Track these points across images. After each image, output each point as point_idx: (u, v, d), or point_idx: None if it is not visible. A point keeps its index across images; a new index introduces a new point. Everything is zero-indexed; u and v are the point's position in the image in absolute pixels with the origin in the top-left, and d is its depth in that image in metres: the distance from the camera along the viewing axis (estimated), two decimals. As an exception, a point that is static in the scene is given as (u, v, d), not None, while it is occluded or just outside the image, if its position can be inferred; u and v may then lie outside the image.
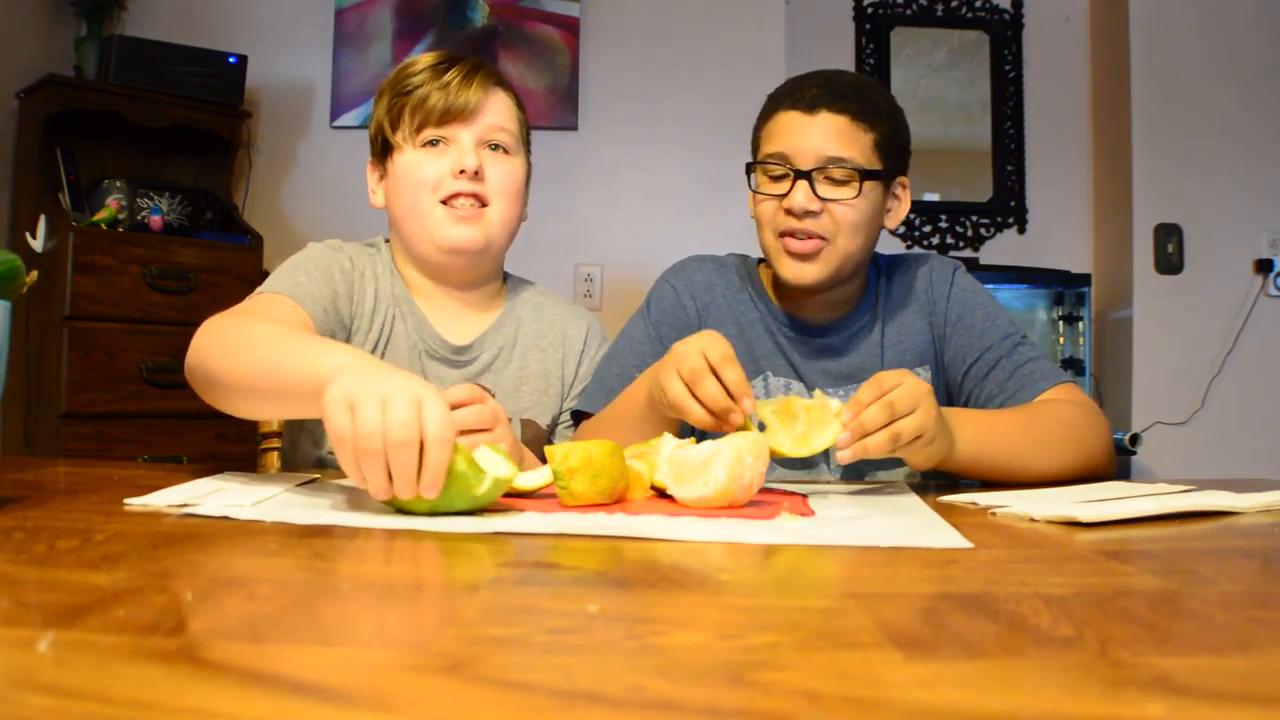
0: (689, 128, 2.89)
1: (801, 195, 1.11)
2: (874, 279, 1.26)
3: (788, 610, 0.49)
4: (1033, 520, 0.77)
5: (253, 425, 1.29)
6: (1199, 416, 2.98)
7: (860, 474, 1.19)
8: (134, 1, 2.81)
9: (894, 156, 1.17)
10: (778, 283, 1.24)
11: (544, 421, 1.25)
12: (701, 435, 1.09)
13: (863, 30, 3.36)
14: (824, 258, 1.14)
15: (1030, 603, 0.48)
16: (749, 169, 1.18)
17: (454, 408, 0.87)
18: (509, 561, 0.61)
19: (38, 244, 2.34)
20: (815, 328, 1.23)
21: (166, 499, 0.77)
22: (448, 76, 1.17)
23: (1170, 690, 0.35)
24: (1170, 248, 3.01)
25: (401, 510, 0.74)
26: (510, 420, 1.08)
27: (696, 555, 0.62)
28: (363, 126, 2.74)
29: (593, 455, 0.80)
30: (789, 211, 1.12)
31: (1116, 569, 0.60)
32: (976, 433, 1.00)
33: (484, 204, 1.18)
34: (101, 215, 2.38)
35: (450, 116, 1.16)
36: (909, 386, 0.89)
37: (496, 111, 1.20)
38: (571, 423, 1.23)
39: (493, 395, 0.95)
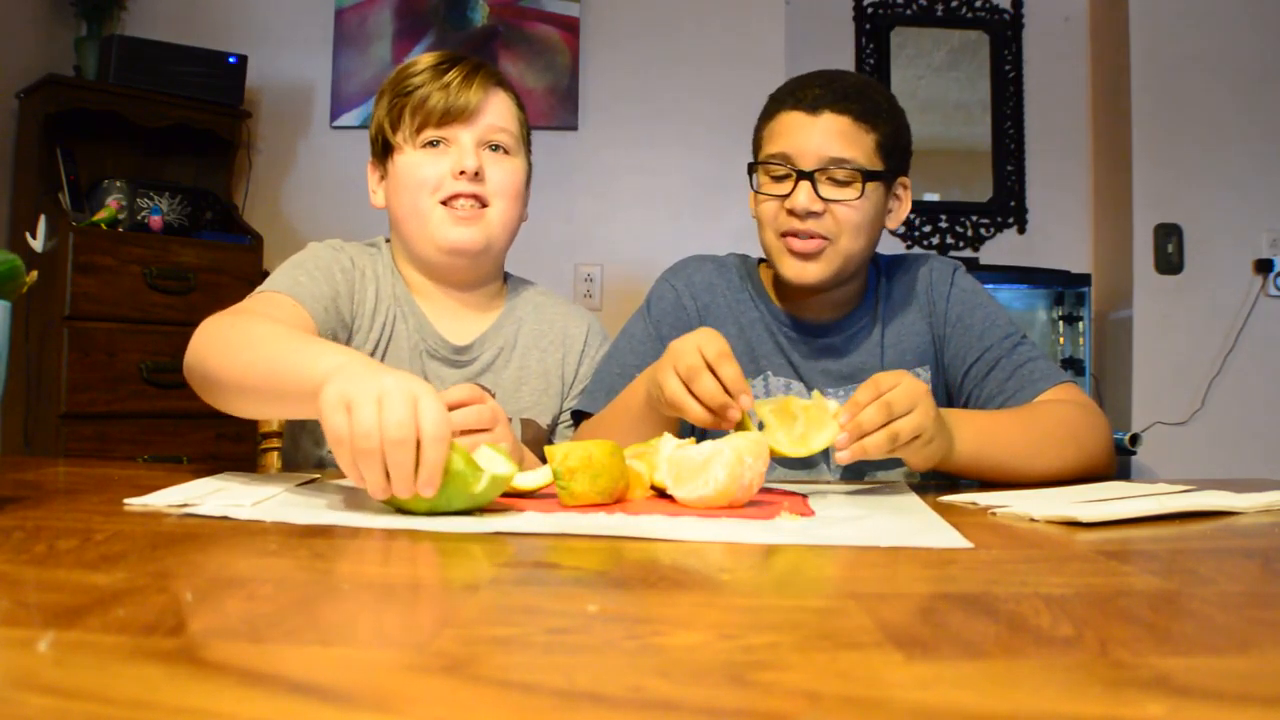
0: (689, 128, 2.89)
1: (804, 196, 1.11)
2: (874, 279, 1.26)
3: (788, 610, 0.49)
4: (1033, 520, 0.77)
5: (253, 425, 1.29)
6: (1199, 416, 2.98)
7: (860, 474, 1.19)
8: (134, 1, 2.81)
9: (896, 157, 1.17)
10: (778, 283, 1.24)
11: (544, 421, 1.25)
12: (702, 435, 1.09)
13: (863, 30, 3.36)
14: (826, 257, 1.14)
15: (1030, 603, 0.48)
16: (751, 169, 1.18)
17: (454, 408, 0.87)
18: (509, 561, 0.60)
19: (38, 244, 2.34)
20: (816, 328, 1.23)
21: (166, 499, 0.77)
22: (448, 77, 1.17)
23: (1170, 690, 0.35)
24: (1170, 248, 3.01)
25: (401, 510, 0.74)
26: (510, 420, 1.09)
27: (696, 555, 0.62)
28: (363, 126, 2.74)
29: (593, 455, 0.80)
30: (791, 212, 1.12)
31: (1116, 569, 0.60)
32: (976, 433, 1.00)
33: (484, 205, 1.18)
34: (101, 215, 2.38)
35: (451, 117, 1.16)
36: (906, 387, 0.89)
37: (497, 112, 1.20)
38: (571, 422, 1.23)
39: (493, 395, 0.95)
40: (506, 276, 1.32)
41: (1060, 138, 3.32)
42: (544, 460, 0.85)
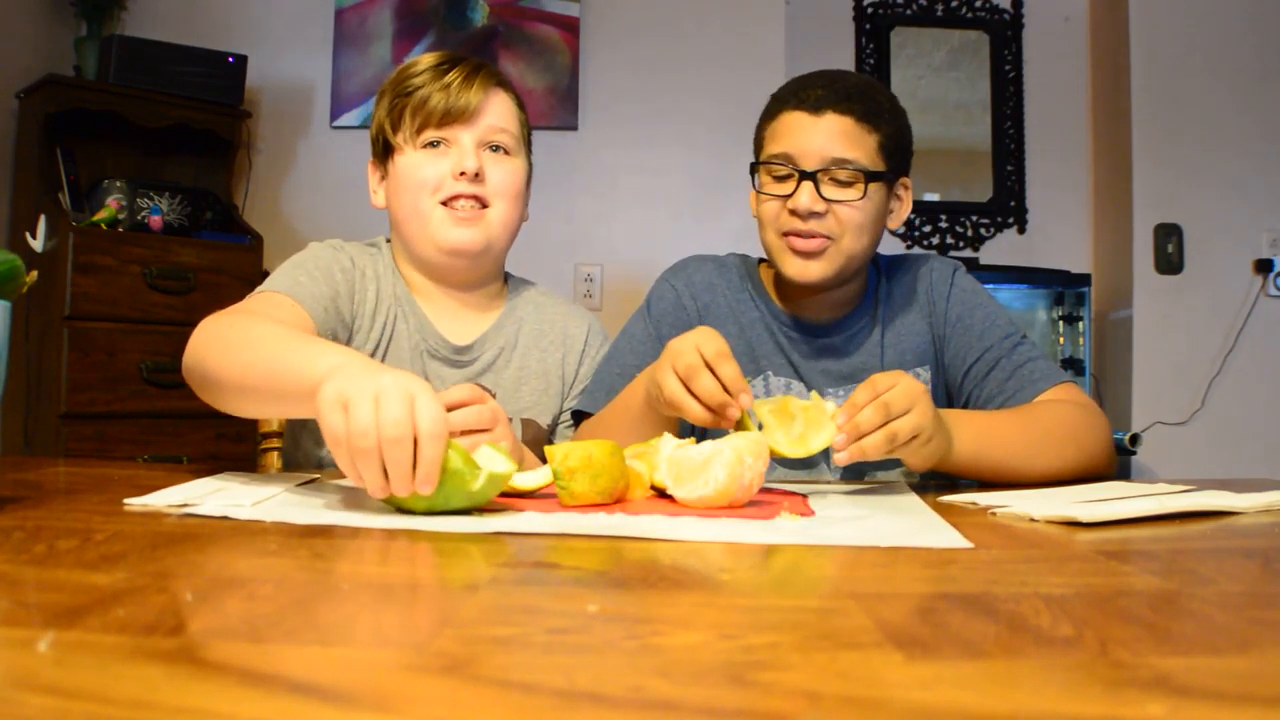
0: (689, 128, 2.89)
1: (806, 196, 1.11)
2: (874, 279, 1.26)
3: (788, 610, 0.49)
4: (1033, 520, 0.77)
5: (253, 425, 1.29)
6: (1199, 416, 2.98)
7: (860, 474, 1.19)
8: (134, 1, 2.81)
9: (898, 157, 1.17)
10: (779, 282, 1.24)
11: (544, 421, 1.25)
12: (702, 435, 1.09)
13: (863, 30, 3.36)
14: (829, 256, 1.14)
15: (1030, 603, 0.48)
16: (752, 169, 1.18)
17: (454, 408, 0.87)
18: (509, 561, 0.61)
19: (38, 244, 2.34)
20: (816, 328, 1.23)
21: (166, 499, 0.77)
22: (449, 78, 1.17)
23: (1170, 690, 0.35)
24: (1170, 248, 3.01)
25: (400, 509, 0.74)
26: (511, 420, 1.09)
27: (696, 555, 0.62)
28: (363, 126, 2.74)
29: (593, 455, 0.80)
30: (794, 212, 1.12)
31: (1116, 569, 0.60)
32: (975, 433, 1.00)
33: (485, 205, 1.18)
34: (101, 215, 2.38)
35: (451, 118, 1.16)
36: (904, 387, 0.89)
37: (497, 113, 1.20)
38: (572, 422, 1.23)
39: (493, 395, 0.95)
40: (507, 277, 1.32)
41: (1060, 138, 3.32)
42: (544, 460, 0.85)
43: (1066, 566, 0.60)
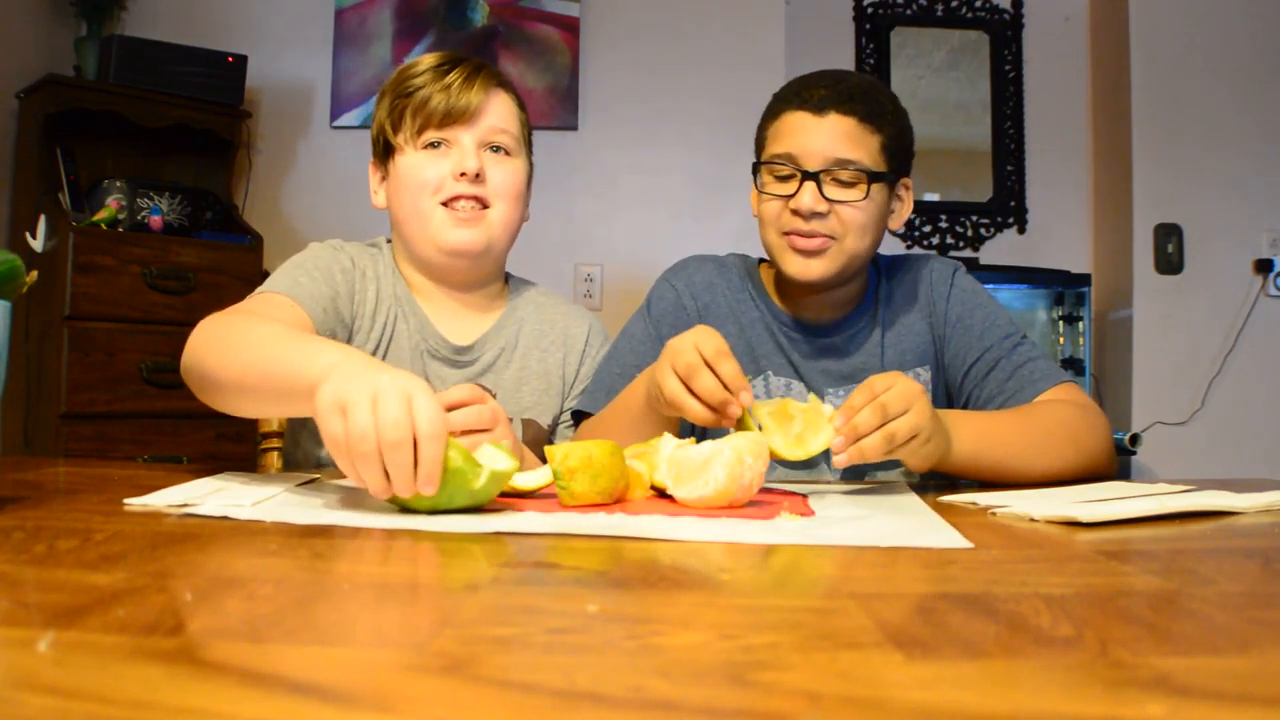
0: (689, 128, 2.89)
1: (809, 196, 1.11)
2: (874, 279, 1.26)
3: (788, 610, 0.49)
4: (1033, 520, 0.77)
5: (253, 425, 1.29)
6: (1199, 416, 2.98)
7: (860, 474, 1.19)
8: (134, 1, 2.81)
9: (899, 158, 1.17)
10: (779, 282, 1.24)
11: (545, 421, 1.25)
12: (702, 435, 1.09)
13: (863, 30, 3.36)
14: (831, 255, 1.14)
15: (1030, 603, 0.48)
16: (754, 168, 1.18)
17: (454, 408, 0.87)
18: (509, 561, 0.60)
19: (38, 244, 2.34)
20: (816, 328, 1.23)
21: (166, 499, 0.77)
22: (449, 78, 1.17)
23: (1170, 690, 0.35)
24: (1170, 248, 3.01)
25: (403, 508, 0.74)
26: (511, 420, 1.09)
27: (696, 555, 0.62)
28: (363, 126, 2.74)
29: (593, 455, 0.80)
30: (796, 212, 1.12)
31: (1116, 569, 0.60)
32: (975, 434, 1.00)
33: (485, 206, 1.18)
34: (101, 215, 2.38)
35: (451, 119, 1.16)
36: (901, 388, 0.89)
37: (498, 113, 1.20)
38: (572, 422, 1.23)
39: (494, 395, 0.95)
40: (508, 277, 1.32)
41: (1060, 138, 3.32)
42: (544, 460, 0.85)
43: (1066, 566, 0.60)
